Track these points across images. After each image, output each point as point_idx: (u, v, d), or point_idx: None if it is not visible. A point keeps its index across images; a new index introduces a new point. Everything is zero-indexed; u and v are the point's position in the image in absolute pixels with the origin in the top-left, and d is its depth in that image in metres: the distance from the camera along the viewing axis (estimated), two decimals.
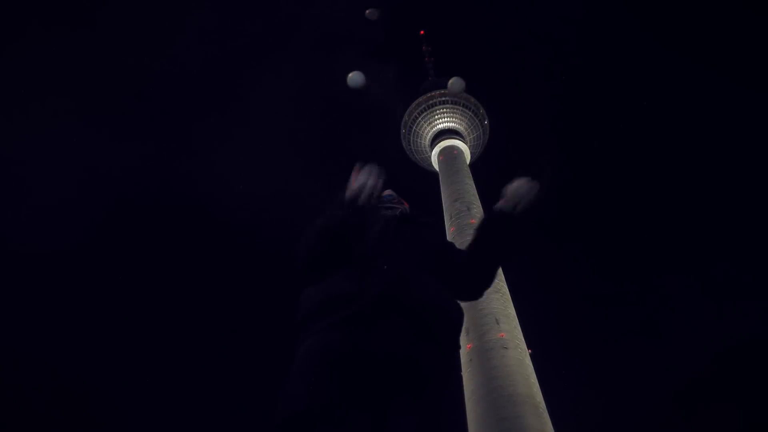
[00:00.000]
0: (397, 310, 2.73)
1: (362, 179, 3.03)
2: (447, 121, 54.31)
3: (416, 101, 55.23)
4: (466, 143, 53.52)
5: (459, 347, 3.00)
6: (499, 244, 3.24)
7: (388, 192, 4.00)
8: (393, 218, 3.40)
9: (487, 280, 3.32)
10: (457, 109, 54.20)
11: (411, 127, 55.42)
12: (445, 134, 53.36)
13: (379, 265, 2.91)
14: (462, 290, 3.21)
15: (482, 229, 3.28)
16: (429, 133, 54.68)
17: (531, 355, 32.59)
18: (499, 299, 34.56)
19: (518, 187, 3.19)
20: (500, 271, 36.92)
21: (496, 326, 32.53)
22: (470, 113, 54.24)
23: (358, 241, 3.08)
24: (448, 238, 41.35)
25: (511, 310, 34.83)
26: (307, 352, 2.68)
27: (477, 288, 3.29)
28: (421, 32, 63.20)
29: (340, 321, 2.71)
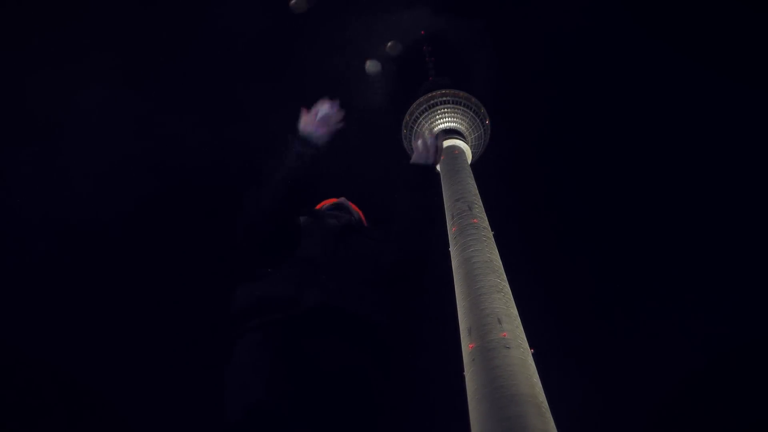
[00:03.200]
0: (331, 323, 2.73)
1: (317, 111, 3.12)
2: (448, 121, 54.36)
3: (417, 101, 55.29)
4: (467, 143, 53.56)
5: (387, 363, 2.97)
6: None
7: (340, 200, 3.95)
8: (335, 227, 3.35)
9: None
10: (458, 109, 54.25)
11: (412, 127, 55.47)
12: (447, 134, 53.39)
13: (318, 275, 2.90)
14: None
15: None
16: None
17: (533, 354, 32.59)
18: (501, 299, 34.57)
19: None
20: (502, 270, 36.90)
21: (498, 326, 32.53)
22: (471, 113, 54.28)
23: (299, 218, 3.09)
24: (450, 237, 41.39)
25: (513, 310, 34.83)
26: (242, 353, 2.68)
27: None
28: (422, 32, 63.23)
29: (278, 322, 2.70)
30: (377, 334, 2.88)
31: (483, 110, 54.74)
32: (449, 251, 41.16)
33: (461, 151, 52.00)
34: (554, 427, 28.12)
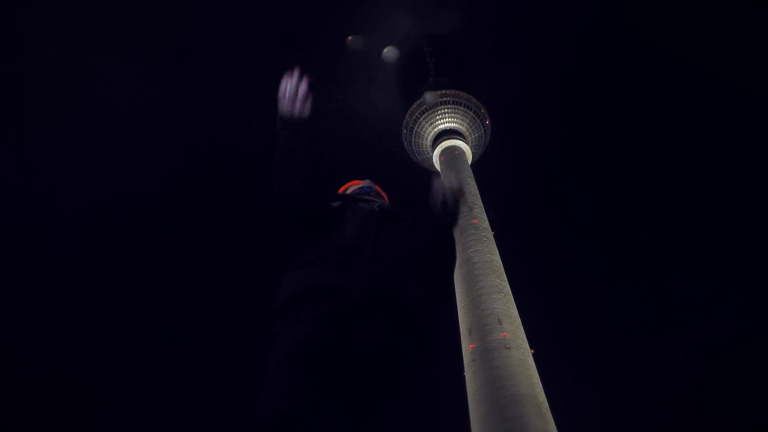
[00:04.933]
0: (381, 309, 2.72)
1: (284, 87, 3.14)
2: (448, 122, 54.33)
3: (417, 101, 55.28)
4: (467, 143, 53.56)
5: (436, 346, 3.00)
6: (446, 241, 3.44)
7: (366, 183, 3.93)
8: (372, 213, 3.35)
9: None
10: (459, 109, 54.23)
11: (412, 128, 55.45)
12: (447, 134, 53.40)
13: (362, 261, 2.88)
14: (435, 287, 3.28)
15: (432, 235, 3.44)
16: (430, 133, 54.71)
17: (533, 354, 32.60)
18: (501, 299, 34.56)
19: (441, 191, 3.45)
20: (502, 270, 36.73)
21: (499, 326, 32.53)
22: (471, 113, 54.26)
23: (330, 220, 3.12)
24: None
25: (514, 310, 34.82)
26: (290, 344, 2.64)
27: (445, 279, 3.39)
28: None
29: (326, 313, 2.67)
30: (426, 317, 2.89)
31: (483, 110, 54.72)
32: None
33: (461, 152, 52.00)
34: (554, 427, 28.12)
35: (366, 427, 2.53)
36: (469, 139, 54.33)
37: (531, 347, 33.02)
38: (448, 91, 54.66)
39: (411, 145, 56.36)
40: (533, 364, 31.77)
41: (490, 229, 41.71)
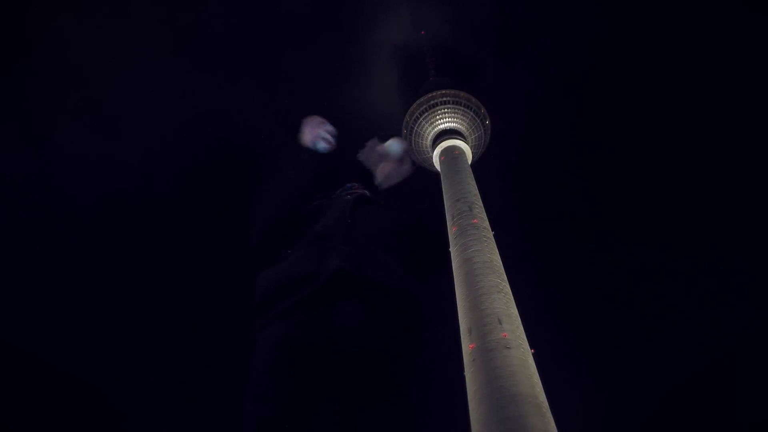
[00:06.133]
0: (353, 290, 2.72)
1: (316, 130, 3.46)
2: (448, 122, 54.37)
3: (417, 101, 55.32)
4: (467, 143, 53.59)
5: (420, 326, 2.97)
6: None
7: (350, 185, 4.05)
8: (349, 201, 3.41)
9: None
10: (459, 109, 54.27)
11: (412, 128, 55.48)
12: (447, 134, 53.46)
13: (336, 246, 2.90)
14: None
15: None
16: (430, 133, 54.74)
17: (534, 354, 32.58)
18: (501, 299, 34.56)
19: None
20: (502, 270, 36.70)
21: (499, 326, 32.52)
22: (471, 113, 54.29)
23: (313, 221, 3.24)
24: (450, 237, 41.37)
25: (514, 310, 34.82)
26: (268, 344, 2.66)
27: None
28: (422, 32, 63.27)
29: (298, 304, 2.69)
30: (397, 296, 2.86)
31: (483, 110, 54.77)
32: (450, 252, 41.18)
33: (461, 152, 52.01)
34: (554, 427, 28.11)
35: (350, 425, 2.52)
36: (469, 139, 54.36)
37: (531, 347, 33.01)
38: (448, 91, 54.72)
39: (411, 145, 56.41)
40: (533, 364, 31.75)
41: (490, 229, 41.70)
